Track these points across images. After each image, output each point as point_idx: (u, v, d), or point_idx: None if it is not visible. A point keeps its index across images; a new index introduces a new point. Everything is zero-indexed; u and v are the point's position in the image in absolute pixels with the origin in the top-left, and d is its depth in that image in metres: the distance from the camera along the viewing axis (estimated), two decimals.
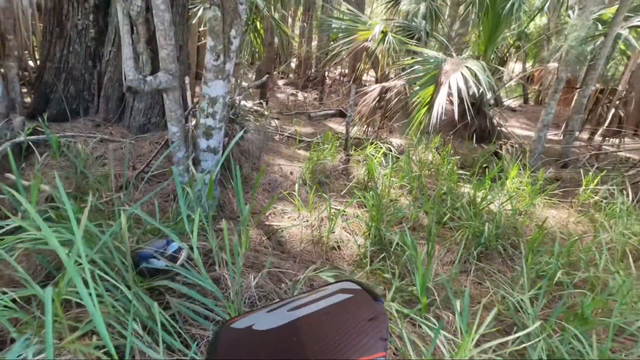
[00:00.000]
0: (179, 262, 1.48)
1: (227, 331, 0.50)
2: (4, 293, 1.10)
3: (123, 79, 2.20)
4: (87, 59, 2.97)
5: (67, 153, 2.27)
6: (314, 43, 9.62)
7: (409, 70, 5.09)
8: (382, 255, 2.52)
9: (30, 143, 2.49)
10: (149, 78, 2.41)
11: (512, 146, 4.99)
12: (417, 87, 4.79)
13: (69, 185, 2.32)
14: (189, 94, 3.08)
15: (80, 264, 1.03)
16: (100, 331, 0.80)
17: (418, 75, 4.84)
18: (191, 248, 1.39)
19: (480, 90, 4.49)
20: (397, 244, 2.48)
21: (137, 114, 3.15)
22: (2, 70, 2.68)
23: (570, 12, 6.58)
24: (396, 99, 5.19)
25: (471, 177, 3.90)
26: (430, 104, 4.56)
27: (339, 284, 0.55)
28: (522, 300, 1.98)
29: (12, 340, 0.93)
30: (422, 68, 4.82)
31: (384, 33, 5.44)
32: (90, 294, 0.79)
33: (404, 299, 2.15)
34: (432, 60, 4.85)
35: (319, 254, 2.67)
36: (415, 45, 5.54)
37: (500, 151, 4.90)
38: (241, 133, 2.60)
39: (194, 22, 5.11)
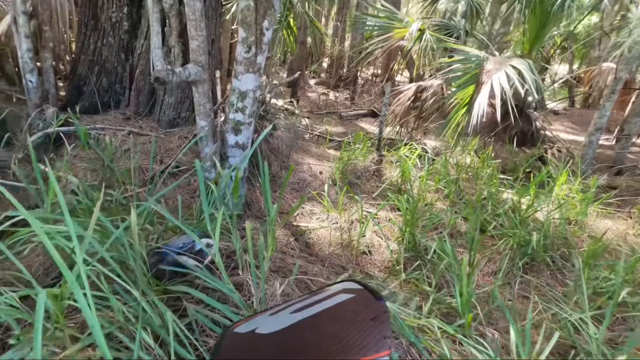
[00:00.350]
0: (207, 261, 1.36)
1: (230, 336, 0.50)
2: (14, 291, 1.01)
3: (151, 69, 2.14)
4: (120, 52, 2.96)
5: (93, 146, 2.23)
6: (347, 43, 9.46)
7: (446, 70, 4.82)
8: (417, 263, 2.32)
9: (62, 134, 2.48)
10: (177, 69, 2.33)
11: (559, 151, 4.59)
12: (456, 87, 4.51)
13: (96, 177, 2.28)
14: (219, 88, 3.00)
15: (89, 264, 0.92)
16: (100, 346, 0.67)
17: (457, 74, 4.56)
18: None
19: (524, 91, 4.16)
20: (434, 251, 2.27)
21: (167, 108, 3.11)
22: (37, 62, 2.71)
23: (633, 6, 6.01)
24: (432, 99, 4.92)
25: (514, 182, 3.59)
26: (470, 105, 4.28)
27: (341, 284, 0.54)
28: (581, 320, 1.72)
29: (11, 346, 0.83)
30: (462, 67, 4.54)
31: (421, 31, 5.19)
32: (89, 304, 0.66)
33: (441, 311, 1.94)
34: (473, 59, 4.55)
35: (348, 259, 2.51)
36: (455, 42, 5.25)
37: (545, 155, 4.53)
38: (269, 128, 2.47)
39: (227, 17, 5.08)
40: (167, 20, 3.12)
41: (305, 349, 0.43)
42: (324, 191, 3.03)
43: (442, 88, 4.93)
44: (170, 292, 1.18)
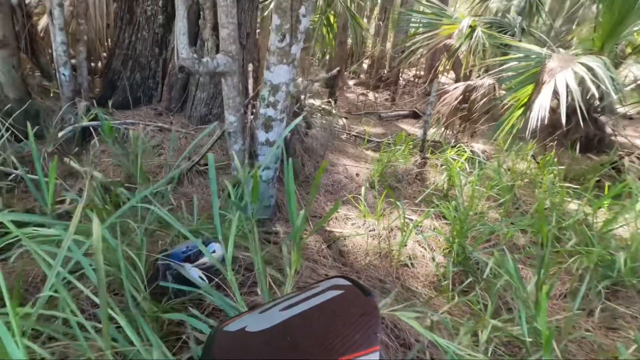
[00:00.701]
0: (201, 263, 1.16)
1: (220, 334, 0.49)
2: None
3: (175, 57, 2.00)
4: (154, 46, 2.90)
5: (118, 141, 2.13)
6: (389, 44, 9.12)
7: (500, 68, 4.37)
8: (469, 280, 1.98)
9: (92, 129, 2.42)
10: (205, 59, 2.18)
11: (639, 158, 3.98)
12: (511, 87, 4.07)
13: (120, 173, 2.18)
14: (250, 82, 2.84)
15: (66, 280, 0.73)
16: None
17: (513, 73, 4.11)
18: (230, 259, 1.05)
19: (598, 91, 3.63)
20: (488, 266, 1.92)
21: (199, 103, 3.00)
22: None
23: None
24: (483, 100, 4.48)
25: (583, 191, 3.11)
26: (527, 106, 3.83)
27: (329, 280, 0.54)
28: None
29: None
30: (520, 65, 4.08)
31: (472, 28, 4.77)
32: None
33: (501, 340, 1.61)
34: (533, 56, 4.07)
35: (387, 271, 2.23)
36: (510, 39, 4.77)
37: (621, 163, 3.94)
38: (300, 118, 2.25)
39: (265, 14, 4.98)
40: (201, 13, 3.02)
41: (295, 347, 0.43)
42: (360, 194, 2.76)
43: (495, 88, 4.48)
44: (171, 309, 0.97)
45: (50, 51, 2.57)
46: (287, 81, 2.44)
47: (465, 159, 3.43)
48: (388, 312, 1.18)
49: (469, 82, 4.87)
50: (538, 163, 3.64)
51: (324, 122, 4.17)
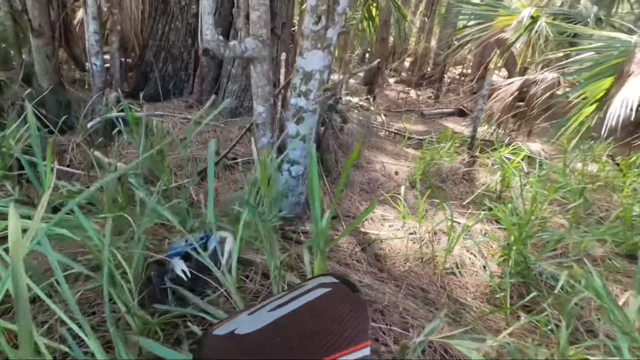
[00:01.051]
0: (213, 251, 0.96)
1: (209, 339, 0.49)
2: None
3: (199, 39, 1.85)
4: (187, 37, 2.82)
5: (138, 133, 2.03)
6: (433, 42, 8.67)
7: (568, 61, 3.86)
8: (533, 294, 1.65)
9: (120, 120, 2.36)
10: (232, 42, 2.03)
11: None
12: (581, 81, 3.55)
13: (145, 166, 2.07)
14: (282, 71, 2.67)
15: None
16: None
17: (586, 65, 3.59)
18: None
19: None
20: (561, 279, 1.58)
21: (230, 95, 2.88)
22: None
23: None
24: (544, 96, 3.99)
25: None
26: (604, 101, 3.31)
27: (317, 278, 0.54)
28: None
29: None
30: (598, 56, 3.56)
31: (534, 19, 4.29)
32: None
33: None
34: (617, 45, 3.53)
35: (430, 279, 1.95)
36: (585, 29, 4.21)
37: None
38: (331, 100, 2.03)
39: (303, 7, 4.84)
40: (235, 1, 2.91)
41: (286, 347, 0.43)
42: (399, 194, 2.49)
43: (559, 82, 3.97)
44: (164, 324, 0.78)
45: (84, 42, 2.58)
46: (322, 68, 2.22)
47: (522, 158, 3.02)
48: (439, 339, 0.91)
49: (527, 77, 4.39)
50: (618, 164, 3.13)
51: (361, 118, 3.93)
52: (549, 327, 1.42)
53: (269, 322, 0.46)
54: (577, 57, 3.62)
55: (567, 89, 3.85)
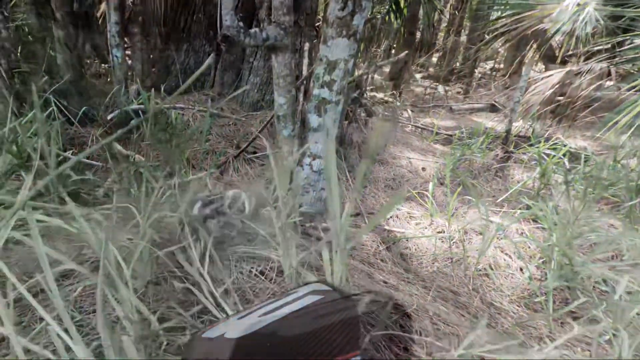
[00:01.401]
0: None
1: (198, 342, 0.48)
2: None
3: (217, 25, 1.78)
4: (209, 29, 2.77)
5: (154, 125, 2.00)
6: (463, 37, 8.34)
7: (623, 49, 3.54)
8: (582, 300, 1.47)
9: (140, 112, 2.34)
10: (253, 30, 1.94)
11: None
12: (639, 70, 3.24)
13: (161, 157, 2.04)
14: (305, 61, 2.57)
15: None
16: None
17: None
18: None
19: None
20: (621, 285, 1.39)
21: (252, 89, 2.82)
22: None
23: None
24: (590, 88, 3.68)
25: None
26: None
27: (309, 285, 0.54)
28: None
29: None
30: None
31: (580, 6, 3.99)
32: None
33: None
34: None
35: (461, 280, 1.80)
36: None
37: None
38: (356, 92, 1.91)
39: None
40: None
41: (277, 353, 0.41)
42: (426, 190, 2.33)
43: (610, 72, 3.65)
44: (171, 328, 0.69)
45: (106, 35, 2.59)
46: (347, 57, 2.09)
47: (564, 154, 2.78)
48: (481, 353, 0.77)
49: (570, 68, 4.08)
50: None
51: (386, 113, 3.78)
52: (607, 338, 1.25)
53: (259, 327, 0.45)
54: (633, 44, 3.30)
55: (617, 81, 3.53)
